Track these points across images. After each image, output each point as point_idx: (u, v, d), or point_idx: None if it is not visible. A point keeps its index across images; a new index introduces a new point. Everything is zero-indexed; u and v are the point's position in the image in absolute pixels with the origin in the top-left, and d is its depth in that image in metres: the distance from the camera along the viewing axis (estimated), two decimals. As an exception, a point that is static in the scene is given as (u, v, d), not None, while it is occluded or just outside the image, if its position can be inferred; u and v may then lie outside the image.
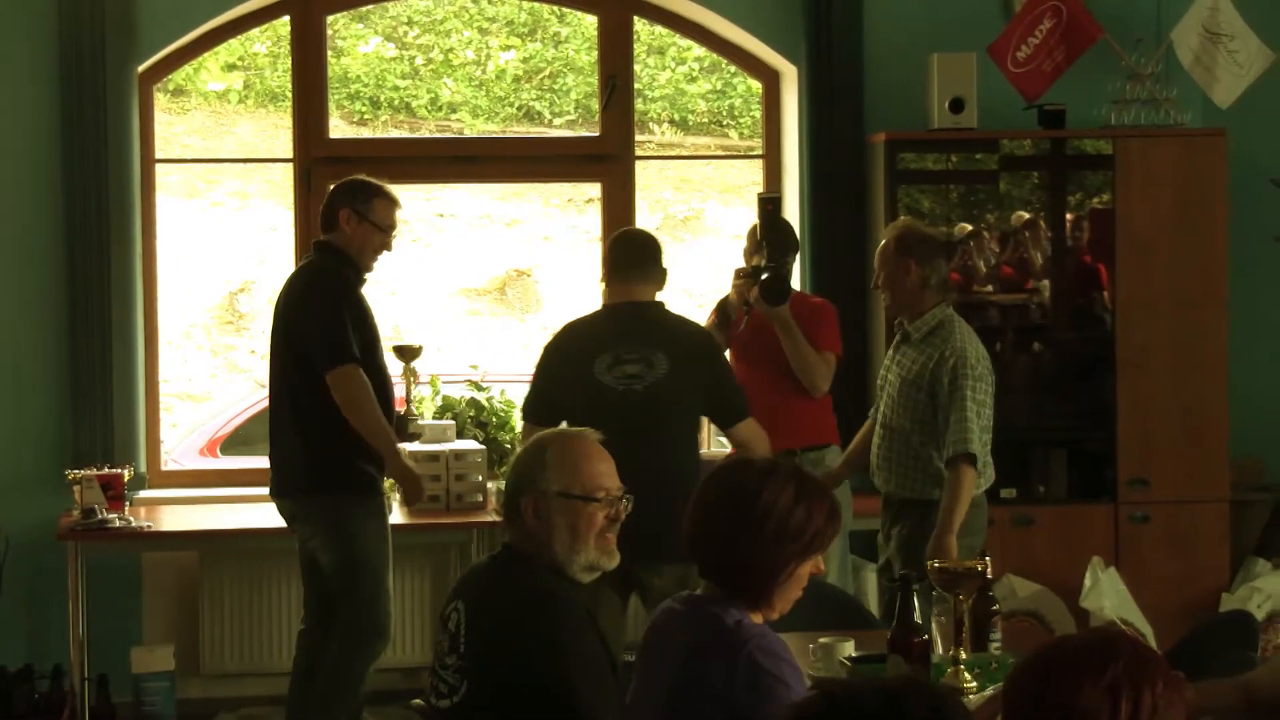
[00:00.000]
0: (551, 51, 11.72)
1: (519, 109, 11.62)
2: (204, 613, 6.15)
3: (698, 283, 10.78)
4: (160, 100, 7.08)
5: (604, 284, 4.99)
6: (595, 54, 6.97)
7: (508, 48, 11.78)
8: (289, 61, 6.64)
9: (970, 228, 6.29)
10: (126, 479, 5.85)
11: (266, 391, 5.46)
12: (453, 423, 6.22)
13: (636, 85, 6.98)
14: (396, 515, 5.71)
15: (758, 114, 7.44)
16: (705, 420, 5.24)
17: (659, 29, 9.18)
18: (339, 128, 10.47)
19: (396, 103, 11.63)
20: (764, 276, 5.38)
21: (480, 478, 5.97)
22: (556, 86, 11.62)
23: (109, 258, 6.06)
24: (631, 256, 4.95)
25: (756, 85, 7.01)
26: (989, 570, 3.74)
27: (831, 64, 6.37)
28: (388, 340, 5.41)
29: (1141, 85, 6.37)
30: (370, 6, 8.31)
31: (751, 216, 5.83)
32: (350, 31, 11.50)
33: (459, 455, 5.98)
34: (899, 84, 6.40)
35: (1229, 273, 6.29)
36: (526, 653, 3.04)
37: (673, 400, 4.79)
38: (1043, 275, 6.34)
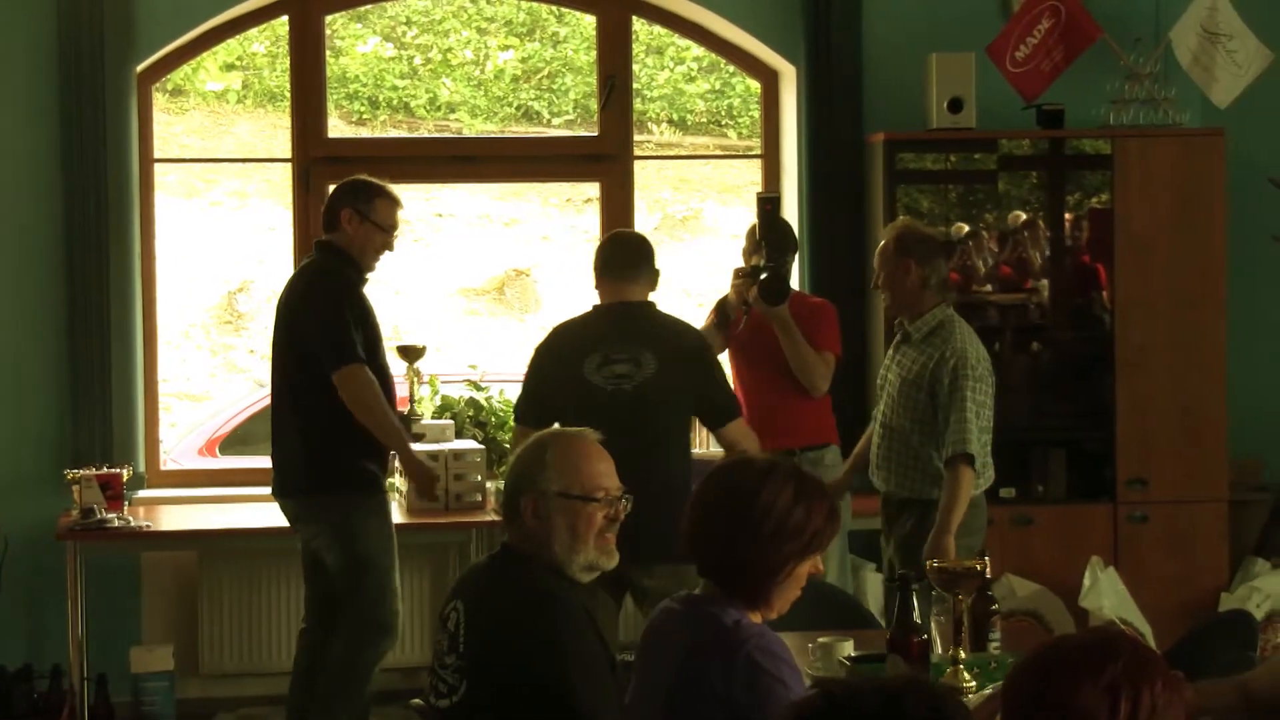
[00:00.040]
0: (550, 51, 11.72)
1: (517, 109, 11.62)
2: (203, 612, 6.15)
3: (696, 283, 10.78)
4: (159, 100, 7.08)
5: (595, 285, 5.00)
6: (594, 54, 6.97)
7: (506, 47, 11.79)
8: (287, 61, 6.64)
9: (967, 228, 6.29)
10: (125, 479, 5.85)
11: (265, 391, 5.47)
12: (451, 422, 6.22)
13: (635, 85, 6.99)
14: (396, 515, 5.70)
15: (756, 114, 7.45)
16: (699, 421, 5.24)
17: (658, 29, 9.18)
18: (337, 127, 10.48)
19: (395, 102, 11.64)
20: (763, 276, 5.38)
21: (479, 477, 5.97)
22: (555, 86, 11.63)
23: (108, 257, 6.06)
24: (621, 257, 4.97)
25: (755, 85, 7.01)
26: (988, 570, 3.74)
27: (830, 64, 6.37)
28: (388, 340, 5.41)
29: (1140, 85, 6.37)
30: (369, 6, 8.31)
31: (750, 216, 5.83)
32: (349, 31, 11.50)
33: (458, 455, 5.98)
34: (898, 84, 6.40)
35: (1227, 272, 6.29)
36: (526, 652, 3.04)
37: (661, 400, 4.80)
38: (1041, 275, 6.34)
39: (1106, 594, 5.95)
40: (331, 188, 5.48)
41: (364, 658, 5.17)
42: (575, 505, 3.18)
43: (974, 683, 3.56)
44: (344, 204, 5.22)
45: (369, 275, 5.25)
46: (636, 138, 6.87)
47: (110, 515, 5.65)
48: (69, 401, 6.10)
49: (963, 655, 3.62)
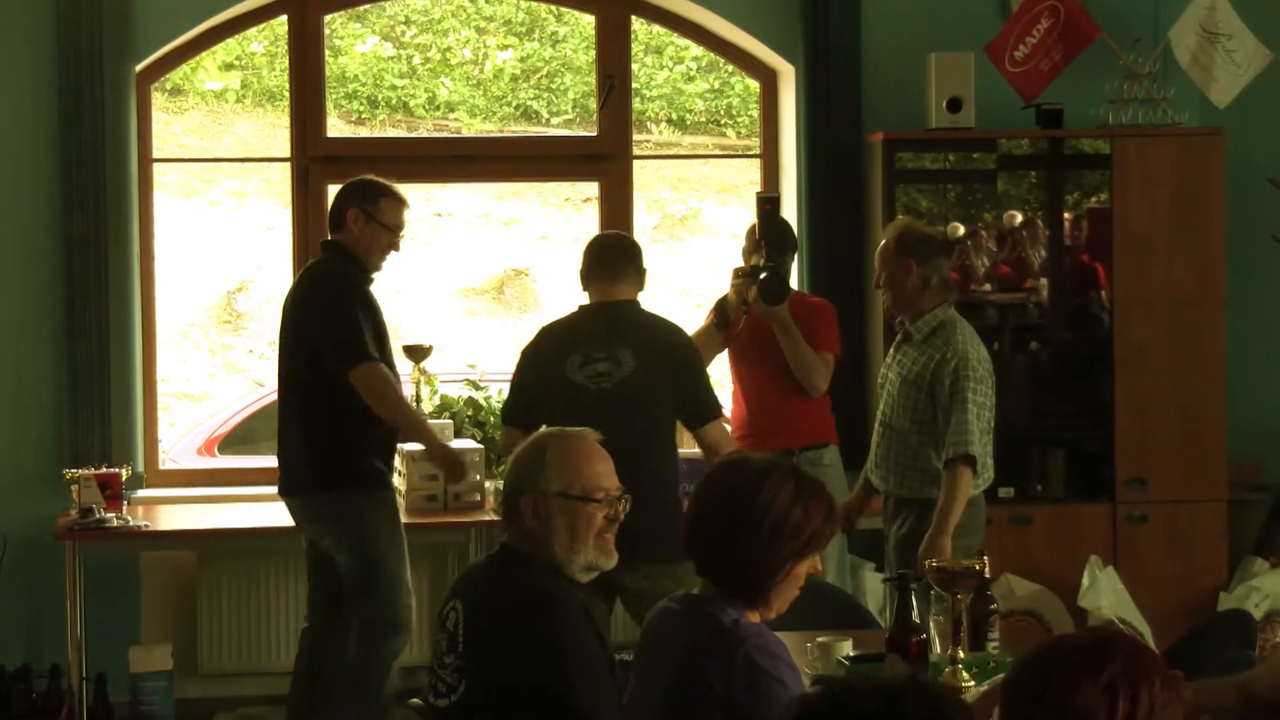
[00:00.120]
0: (549, 51, 11.73)
1: (516, 108, 11.63)
2: (202, 612, 6.14)
3: (695, 282, 10.78)
4: (158, 100, 7.07)
5: (583, 288, 5.01)
6: (593, 53, 6.97)
7: (505, 47, 11.79)
8: (286, 61, 6.63)
9: (963, 229, 6.29)
10: (124, 478, 5.85)
11: (265, 391, 5.47)
12: (450, 422, 6.22)
13: (634, 84, 6.98)
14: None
15: (755, 113, 7.45)
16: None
17: (656, 28, 9.19)
18: (336, 127, 10.48)
19: (394, 102, 11.64)
20: (762, 276, 5.38)
21: (478, 477, 5.97)
22: (554, 86, 11.63)
23: (107, 257, 6.06)
24: (606, 258, 4.98)
25: (754, 85, 7.01)
26: (987, 569, 3.74)
27: (829, 63, 6.37)
28: (390, 340, 5.41)
29: (1139, 85, 6.37)
30: (368, 6, 8.31)
31: (749, 216, 5.83)
32: (348, 31, 11.50)
33: (457, 455, 5.97)
34: (897, 83, 6.40)
35: (1227, 272, 6.29)
36: (525, 652, 3.04)
37: (643, 398, 4.79)
38: (1040, 274, 6.34)
39: (1105, 593, 5.95)
40: (333, 188, 5.48)
41: (381, 656, 5.18)
42: (575, 505, 3.18)
43: (972, 683, 3.56)
44: (350, 204, 5.22)
45: (375, 275, 5.25)
46: (635, 137, 6.88)
47: (109, 515, 5.65)
48: (68, 401, 6.09)
49: (961, 655, 3.62)
